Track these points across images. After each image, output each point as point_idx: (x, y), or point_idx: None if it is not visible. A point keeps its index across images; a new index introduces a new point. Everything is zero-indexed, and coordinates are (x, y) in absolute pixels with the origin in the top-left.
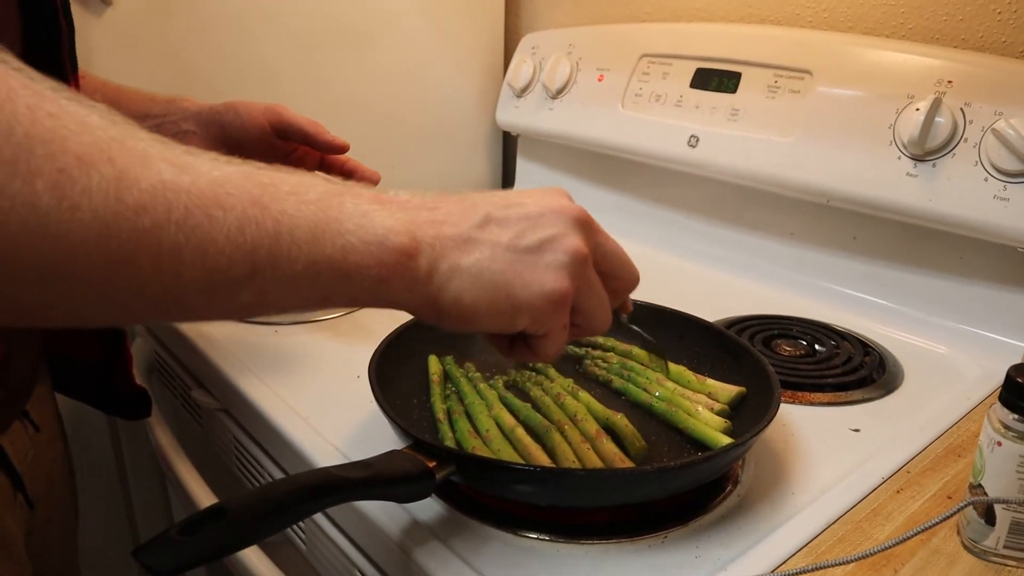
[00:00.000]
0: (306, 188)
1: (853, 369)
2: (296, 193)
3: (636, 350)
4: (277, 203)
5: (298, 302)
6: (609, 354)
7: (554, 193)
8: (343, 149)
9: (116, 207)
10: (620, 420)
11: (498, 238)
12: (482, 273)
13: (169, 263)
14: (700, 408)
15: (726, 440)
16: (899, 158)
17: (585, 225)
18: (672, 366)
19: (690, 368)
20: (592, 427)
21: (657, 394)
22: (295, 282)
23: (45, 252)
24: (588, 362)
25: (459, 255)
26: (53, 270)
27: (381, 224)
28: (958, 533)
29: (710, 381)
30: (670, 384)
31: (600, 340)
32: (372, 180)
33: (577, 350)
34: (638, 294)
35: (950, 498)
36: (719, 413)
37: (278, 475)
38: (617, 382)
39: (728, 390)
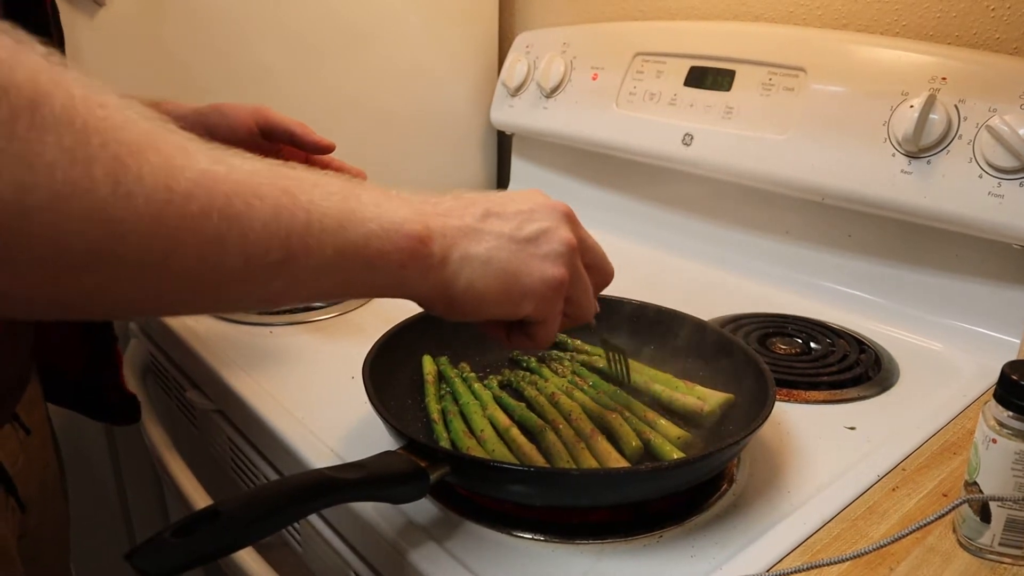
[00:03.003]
0: (326, 182)
1: (848, 367)
2: (319, 186)
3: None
4: (305, 194)
5: (324, 289)
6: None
7: (536, 192)
8: (329, 149)
9: (166, 195)
10: (615, 419)
11: (500, 229)
12: (491, 261)
13: (213, 250)
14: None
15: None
16: (893, 155)
17: (571, 219)
18: (659, 374)
19: (684, 367)
20: (587, 426)
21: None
22: (324, 269)
23: (99, 238)
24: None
25: (468, 244)
26: (106, 257)
27: (396, 213)
28: (954, 531)
29: (699, 388)
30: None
31: (588, 348)
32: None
33: (562, 354)
34: (634, 292)
35: (946, 496)
36: (708, 415)
37: (272, 476)
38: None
39: (717, 397)
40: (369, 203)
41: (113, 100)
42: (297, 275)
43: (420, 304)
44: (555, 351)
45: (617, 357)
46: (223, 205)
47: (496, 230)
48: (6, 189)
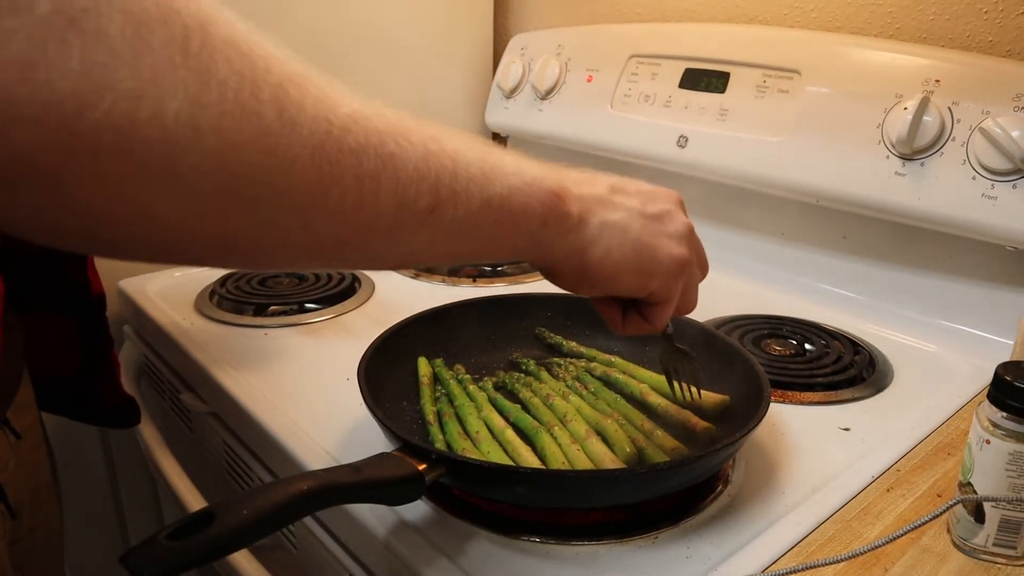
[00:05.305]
0: (463, 134)
1: (843, 368)
2: (458, 136)
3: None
4: (450, 141)
5: (462, 247)
6: (593, 364)
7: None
8: None
9: (326, 126)
10: (610, 425)
11: (630, 204)
12: (627, 231)
13: (370, 188)
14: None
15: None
16: (887, 157)
17: (684, 208)
18: (652, 375)
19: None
20: (581, 427)
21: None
22: (467, 223)
23: (265, 166)
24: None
25: (605, 212)
26: (269, 187)
27: (534, 170)
28: (948, 531)
29: (694, 389)
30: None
31: (583, 350)
32: None
33: (559, 360)
34: None
35: (940, 496)
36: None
37: (267, 479)
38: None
39: (712, 399)
40: (506, 159)
41: (264, 38)
42: (442, 228)
43: (548, 272)
44: (555, 358)
45: (685, 370)
46: (377, 143)
47: (626, 204)
48: (182, 106)
